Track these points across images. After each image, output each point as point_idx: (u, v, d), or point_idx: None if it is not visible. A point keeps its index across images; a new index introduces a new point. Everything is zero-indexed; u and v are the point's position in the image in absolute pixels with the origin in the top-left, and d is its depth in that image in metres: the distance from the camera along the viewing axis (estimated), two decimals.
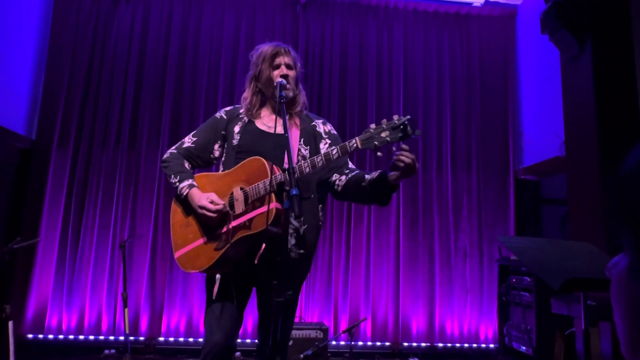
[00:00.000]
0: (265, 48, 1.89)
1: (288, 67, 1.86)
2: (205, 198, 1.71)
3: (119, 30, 4.45)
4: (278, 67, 1.85)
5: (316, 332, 3.33)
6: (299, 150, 1.82)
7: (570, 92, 3.34)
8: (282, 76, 1.82)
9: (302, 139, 1.84)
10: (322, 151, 1.80)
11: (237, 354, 3.72)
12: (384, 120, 1.56)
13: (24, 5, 4.13)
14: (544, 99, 4.22)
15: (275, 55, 1.85)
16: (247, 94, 1.92)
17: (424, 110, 4.60)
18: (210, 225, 1.74)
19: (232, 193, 1.73)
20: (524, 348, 3.51)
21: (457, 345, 4.26)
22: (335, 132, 1.97)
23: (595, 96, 3.05)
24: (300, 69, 1.93)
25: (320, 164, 1.64)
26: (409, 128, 1.51)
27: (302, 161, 1.66)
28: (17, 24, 4.03)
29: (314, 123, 1.93)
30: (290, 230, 1.73)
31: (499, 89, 4.69)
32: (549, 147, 3.96)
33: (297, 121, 1.88)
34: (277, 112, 1.68)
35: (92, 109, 4.32)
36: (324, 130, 1.93)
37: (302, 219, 1.73)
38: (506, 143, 4.59)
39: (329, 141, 1.89)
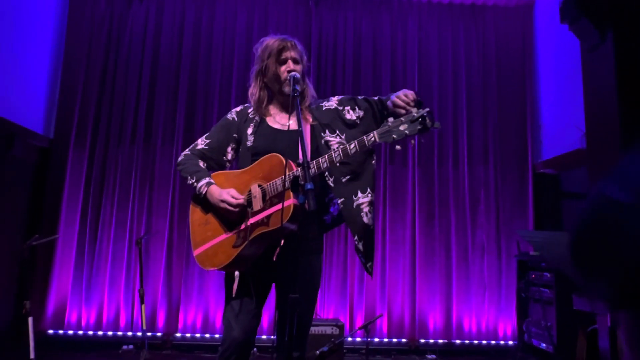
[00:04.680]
0: (271, 42, 1.84)
1: (295, 61, 1.82)
2: (227, 192, 1.70)
3: (132, 29, 4.48)
4: (285, 62, 1.81)
5: (332, 329, 3.32)
6: (328, 142, 1.78)
7: (591, 82, 3.24)
8: (289, 71, 1.79)
9: (326, 130, 1.80)
10: (352, 117, 1.81)
11: (254, 349, 3.73)
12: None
13: (40, 7, 4.19)
14: (564, 89, 4.12)
15: (281, 50, 1.81)
16: (254, 90, 1.88)
17: (439, 104, 4.54)
18: (229, 222, 1.74)
19: (250, 190, 1.72)
20: (544, 345, 3.45)
21: (475, 342, 4.20)
22: (342, 95, 1.93)
23: (617, 86, 2.96)
24: (307, 63, 1.89)
25: (337, 159, 1.62)
26: (427, 121, 1.48)
27: (332, 152, 1.63)
28: (33, 26, 4.09)
29: (325, 108, 1.87)
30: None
31: (517, 81, 4.59)
32: (569, 139, 3.87)
33: (308, 116, 1.85)
34: (291, 106, 1.66)
35: (107, 108, 4.37)
36: (336, 103, 1.87)
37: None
38: (524, 136, 4.50)
39: (347, 107, 1.85)
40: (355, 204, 1.73)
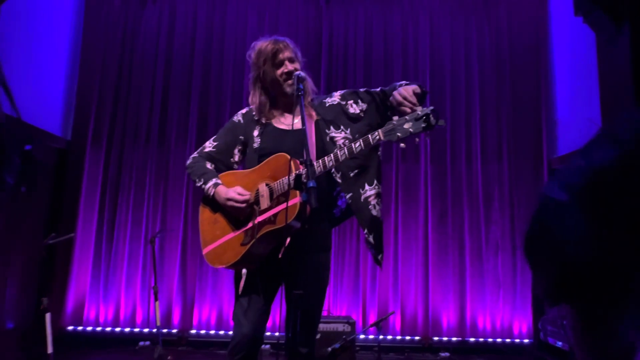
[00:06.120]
0: (264, 46, 1.85)
1: (290, 61, 1.83)
2: (233, 190, 1.73)
3: (146, 30, 4.55)
4: (281, 64, 1.82)
5: (344, 326, 3.32)
6: (333, 138, 1.79)
7: (606, 75, 3.18)
8: (286, 73, 1.80)
9: (330, 126, 1.81)
10: (355, 111, 1.82)
11: (267, 346, 3.77)
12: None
13: (57, 11, 4.29)
14: (579, 83, 4.04)
15: (275, 52, 1.82)
16: (254, 98, 1.89)
17: (451, 100, 4.49)
18: (238, 220, 1.76)
19: (257, 189, 1.74)
20: (560, 343, 3.40)
21: (490, 340, 4.16)
22: (344, 90, 1.92)
23: (633, 79, 2.89)
24: (302, 58, 1.89)
25: (343, 158, 1.63)
26: (432, 118, 1.48)
27: (338, 150, 1.64)
28: (50, 30, 4.19)
29: (328, 104, 1.87)
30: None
31: (531, 75, 4.51)
32: (586, 134, 3.79)
33: (312, 112, 1.86)
34: (295, 105, 1.67)
35: (123, 109, 4.45)
36: (339, 98, 1.88)
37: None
38: (539, 131, 4.42)
39: (350, 101, 1.85)
40: (363, 197, 1.74)
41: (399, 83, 1.74)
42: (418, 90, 1.63)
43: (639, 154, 0.30)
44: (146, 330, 4.12)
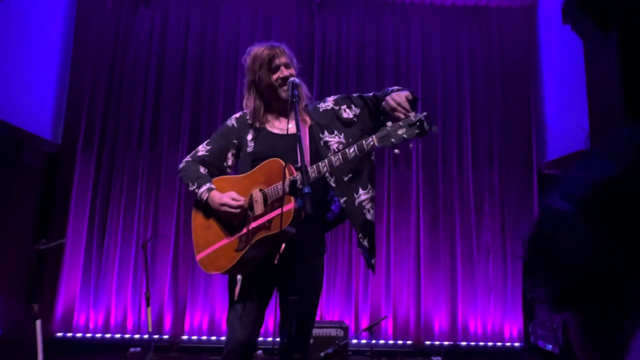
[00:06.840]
0: (260, 51, 1.86)
1: (286, 66, 1.84)
2: (227, 196, 1.73)
3: (138, 34, 4.54)
4: (277, 69, 1.83)
5: (336, 331, 3.33)
6: (327, 142, 1.80)
7: (594, 82, 3.23)
8: (282, 78, 1.82)
9: (324, 131, 1.82)
10: (349, 116, 1.83)
11: (259, 352, 3.75)
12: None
13: (48, 15, 4.26)
14: (568, 90, 4.10)
15: (272, 58, 1.83)
16: (249, 102, 1.90)
17: (443, 106, 4.54)
18: (231, 226, 1.76)
19: (251, 194, 1.74)
20: (550, 347, 3.43)
21: (481, 343, 4.19)
22: (337, 95, 1.94)
23: (621, 86, 2.94)
24: (297, 64, 1.91)
25: (337, 163, 1.64)
26: (425, 124, 1.49)
27: (332, 155, 1.65)
28: (41, 34, 4.15)
29: (322, 109, 1.89)
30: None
31: (521, 82, 4.58)
32: (574, 140, 3.85)
33: (306, 117, 1.87)
34: (290, 111, 1.68)
35: (114, 113, 4.42)
36: (333, 103, 1.90)
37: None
38: (529, 137, 4.49)
39: (344, 106, 1.87)
40: (357, 202, 1.76)
41: (390, 88, 1.75)
42: (410, 96, 1.65)
43: (634, 168, 0.31)
44: (137, 336, 4.08)
